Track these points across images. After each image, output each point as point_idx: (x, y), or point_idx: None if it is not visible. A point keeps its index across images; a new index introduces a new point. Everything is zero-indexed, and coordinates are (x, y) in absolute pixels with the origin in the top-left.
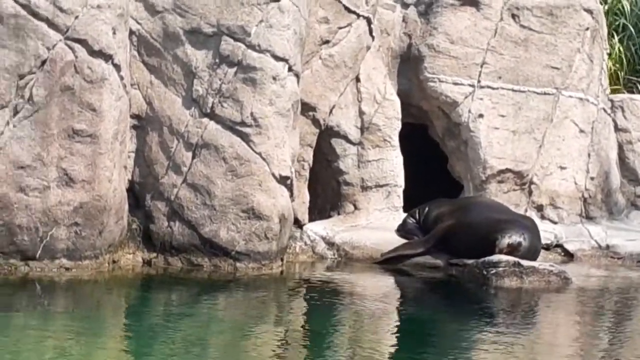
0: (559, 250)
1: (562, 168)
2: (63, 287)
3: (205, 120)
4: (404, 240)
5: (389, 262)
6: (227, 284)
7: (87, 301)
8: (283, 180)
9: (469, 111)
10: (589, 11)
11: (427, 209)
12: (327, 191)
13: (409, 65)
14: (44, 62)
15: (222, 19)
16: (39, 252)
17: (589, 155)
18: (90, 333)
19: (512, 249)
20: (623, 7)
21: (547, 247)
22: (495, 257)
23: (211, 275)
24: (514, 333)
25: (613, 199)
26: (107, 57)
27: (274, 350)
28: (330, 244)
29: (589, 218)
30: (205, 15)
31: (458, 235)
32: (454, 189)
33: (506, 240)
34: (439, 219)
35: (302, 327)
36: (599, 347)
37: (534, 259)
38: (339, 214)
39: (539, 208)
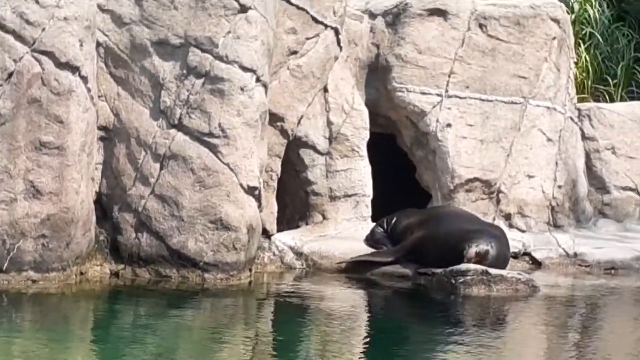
0: (527, 258)
1: (530, 177)
2: (30, 300)
3: (173, 131)
4: (372, 250)
5: (357, 268)
6: (196, 295)
7: (54, 314)
8: (251, 191)
9: (437, 121)
10: (556, 21)
11: (395, 219)
12: (296, 201)
13: (377, 76)
14: (11, 75)
15: (190, 30)
16: (6, 264)
17: (556, 164)
18: (58, 346)
19: (481, 258)
20: (590, 16)
21: (515, 256)
22: (464, 266)
23: (179, 287)
24: (482, 342)
25: (581, 208)
26: (75, 70)
27: None
28: (299, 254)
29: (557, 226)
30: (172, 27)
31: (427, 247)
32: (422, 198)
33: (474, 249)
34: (407, 229)
35: (271, 338)
36: (566, 356)
37: (503, 267)
38: (307, 224)
39: (507, 217)
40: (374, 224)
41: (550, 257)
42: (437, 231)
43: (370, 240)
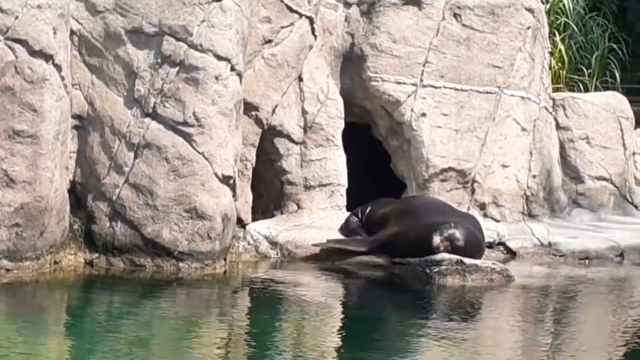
0: (501, 248)
1: (504, 166)
2: (4, 289)
3: (147, 120)
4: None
5: (331, 256)
6: (170, 284)
7: (28, 303)
8: (226, 180)
9: (412, 110)
10: (530, 10)
11: (369, 208)
12: (270, 191)
13: (351, 65)
14: None
15: (164, 18)
16: None
17: (530, 153)
18: (32, 335)
19: (449, 244)
20: (564, 6)
21: (490, 245)
22: (438, 256)
23: (154, 276)
24: (456, 331)
25: (555, 197)
26: (48, 58)
27: (216, 351)
28: (274, 244)
29: (531, 216)
30: (146, 15)
31: (400, 240)
32: (397, 188)
33: (437, 237)
34: (382, 218)
35: (246, 327)
36: (540, 344)
37: (478, 256)
38: (282, 213)
39: (482, 206)
40: (349, 213)
41: (524, 246)
42: (409, 224)
43: (345, 229)
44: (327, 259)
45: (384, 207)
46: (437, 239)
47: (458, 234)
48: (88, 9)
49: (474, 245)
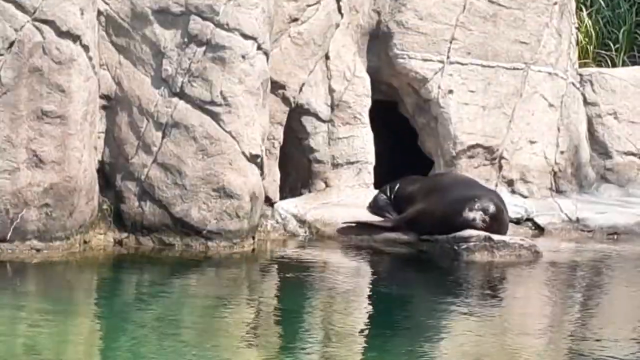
0: (529, 224)
1: (531, 142)
2: (34, 269)
3: (174, 99)
4: (375, 217)
5: (359, 232)
6: (199, 263)
7: (58, 282)
8: (253, 158)
9: (439, 87)
10: None
11: (398, 185)
12: (298, 169)
13: (378, 42)
14: (12, 44)
15: None
16: (10, 233)
17: (558, 129)
18: (62, 314)
19: (484, 214)
20: None
21: (518, 221)
22: (466, 232)
23: (183, 255)
24: (485, 307)
25: (583, 173)
26: (75, 38)
27: (246, 329)
28: (302, 222)
29: (559, 192)
30: None
31: (429, 219)
32: (424, 165)
33: (471, 212)
34: (410, 195)
35: (275, 305)
36: (569, 320)
37: (504, 232)
38: (310, 191)
39: (510, 183)
40: (377, 191)
41: (552, 222)
42: (437, 201)
43: (374, 207)
44: (355, 236)
45: (412, 185)
46: (471, 214)
47: (487, 203)
48: None
49: (504, 224)
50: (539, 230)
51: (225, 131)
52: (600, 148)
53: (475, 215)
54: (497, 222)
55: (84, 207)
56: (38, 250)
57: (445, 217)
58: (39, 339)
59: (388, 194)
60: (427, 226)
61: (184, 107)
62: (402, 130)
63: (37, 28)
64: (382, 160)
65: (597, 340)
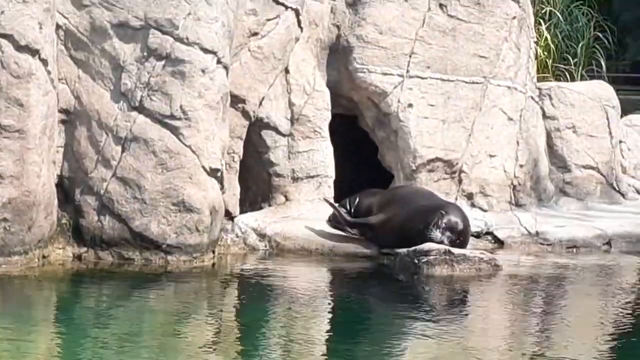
0: (489, 237)
1: (491, 156)
2: None
3: (134, 113)
4: (334, 231)
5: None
6: (159, 278)
7: (16, 297)
8: (213, 172)
9: (399, 101)
10: (516, 0)
11: (357, 199)
12: (258, 183)
13: (338, 56)
14: None
15: (150, 12)
16: None
17: (517, 143)
18: (21, 329)
19: (450, 228)
20: None
21: (478, 235)
22: (426, 246)
23: (142, 269)
24: (446, 320)
25: (542, 186)
26: (34, 52)
27: (206, 344)
28: (262, 236)
29: (519, 205)
30: (132, 8)
31: (391, 227)
32: (384, 178)
33: (437, 231)
34: (370, 208)
35: (235, 319)
36: (529, 333)
37: (466, 244)
38: (270, 205)
39: (469, 196)
40: (336, 205)
41: (512, 235)
42: (396, 212)
43: (333, 220)
44: (314, 250)
45: (371, 198)
46: (437, 234)
47: (454, 218)
48: (74, 3)
49: (468, 235)
50: (499, 243)
51: (185, 145)
52: (559, 162)
53: (443, 236)
54: (466, 232)
55: (43, 222)
56: None
57: (405, 228)
58: None
59: (348, 207)
60: (387, 236)
61: (144, 121)
62: (362, 144)
63: None
64: (342, 175)
65: (558, 352)
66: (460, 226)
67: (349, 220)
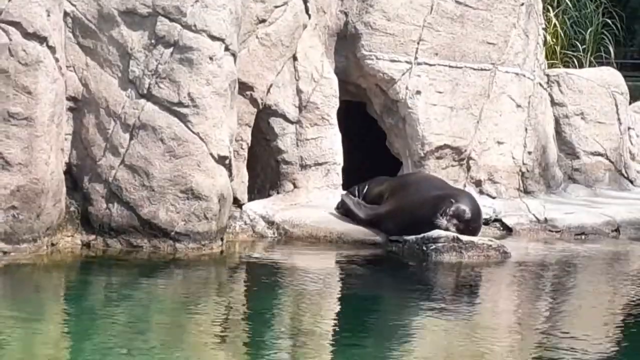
0: (497, 224)
1: (499, 143)
2: (1, 271)
3: (142, 101)
4: (343, 218)
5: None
6: (167, 265)
7: (26, 285)
8: (221, 160)
9: (407, 88)
10: None
11: (367, 186)
12: (266, 170)
13: (345, 43)
14: None
15: None
16: None
17: (526, 130)
18: (30, 317)
19: (458, 215)
20: None
21: (486, 222)
22: (435, 233)
23: (151, 257)
24: (455, 307)
25: (550, 173)
26: (42, 40)
27: (214, 331)
28: (270, 223)
29: (527, 192)
30: None
31: (399, 217)
32: (392, 166)
33: (443, 219)
34: (379, 196)
35: (243, 307)
36: (538, 320)
37: (477, 232)
38: (278, 192)
39: (478, 183)
40: (345, 192)
41: (520, 222)
42: (407, 199)
43: (341, 208)
44: (322, 237)
45: (381, 185)
46: (443, 221)
47: (463, 206)
48: None
49: (479, 224)
50: (507, 230)
51: (193, 132)
52: (567, 148)
53: (449, 224)
54: (476, 221)
55: (51, 209)
56: (5, 253)
57: (416, 215)
58: (6, 342)
59: (357, 194)
60: (397, 224)
61: (152, 109)
62: (370, 131)
63: (3, 30)
64: (350, 161)
65: (568, 340)
66: (468, 215)
67: (364, 219)
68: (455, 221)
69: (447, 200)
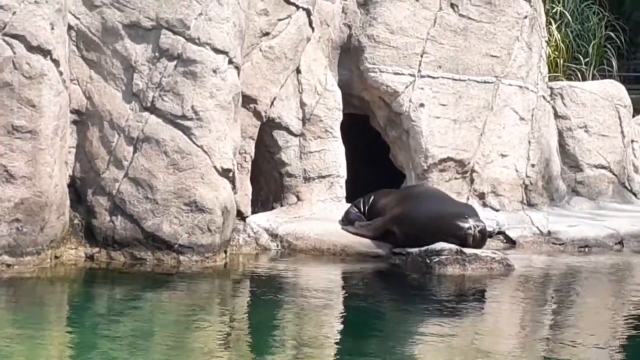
0: (501, 237)
1: (503, 156)
2: (5, 284)
3: (145, 114)
4: (345, 232)
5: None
6: (171, 278)
7: (29, 297)
8: (225, 172)
9: (410, 101)
10: None
11: (372, 197)
12: (270, 183)
13: (349, 56)
14: None
15: (161, 12)
16: None
17: (529, 142)
18: (34, 330)
19: (479, 234)
20: None
21: (490, 235)
22: (438, 246)
23: (154, 269)
24: (457, 321)
25: (554, 186)
26: (46, 53)
27: (217, 344)
28: (274, 236)
29: (531, 205)
30: (144, 9)
31: (408, 224)
32: (396, 178)
33: (469, 231)
34: (384, 208)
35: (246, 320)
36: (541, 334)
37: (481, 246)
38: (282, 205)
39: (481, 196)
40: (349, 205)
41: (524, 235)
42: (417, 210)
43: (345, 220)
44: (326, 250)
45: (386, 197)
46: (470, 229)
47: (480, 224)
48: (85, 3)
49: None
50: (511, 243)
51: (197, 145)
52: (571, 161)
53: (473, 236)
54: (483, 238)
55: (55, 222)
56: (9, 266)
57: (432, 224)
58: (10, 355)
59: (362, 206)
60: (407, 231)
61: (155, 122)
62: (374, 144)
63: (7, 43)
64: (354, 174)
65: (571, 350)
66: (485, 231)
67: (373, 236)
68: (477, 235)
69: (462, 218)
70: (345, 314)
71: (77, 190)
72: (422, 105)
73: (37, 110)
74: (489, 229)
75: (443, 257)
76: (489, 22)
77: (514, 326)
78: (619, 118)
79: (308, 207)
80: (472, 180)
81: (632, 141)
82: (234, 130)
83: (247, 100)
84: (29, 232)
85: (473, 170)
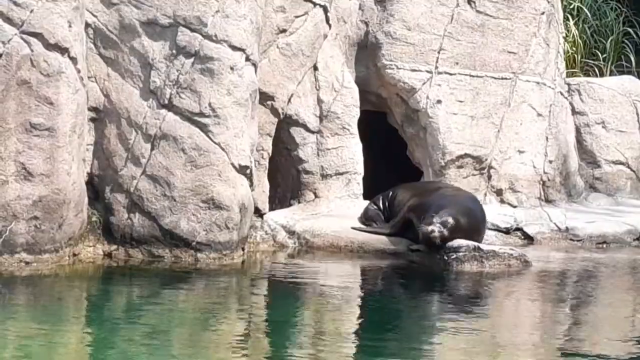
0: (518, 233)
1: (520, 152)
2: (23, 282)
3: (163, 111)
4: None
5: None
6: (189, 275)
7: (48, 295)
8: (242, 169)
9: (427, 97)
10: None
11: (391, 193)
12: (287, 180)
13: (366, 53)
14: None
15: (178, 9)
16: None
17: (547, 138)
18: (52, 327)
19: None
20: None
21: (507, 231)
22: (456, 242)
23: (172, 267)
24: (476, 317)
25: (572, 182)
26: (63, 51)
27: (236, 341)
28: (291, 233)
29: (548, 201)
30: (161, 6)
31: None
32: (413, 175)
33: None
34: (404, 203)
35: (264, 316)
36: (559, 330)
37: (478, 237)
38: (299, 202)
39: (498, 192)
40: (368, 202)
41: (541, 231)
42: (422, 204)
43: (363, 217)
44: (343, 247)
45: (405, 192)
46: (425, 229)
47: (445, 216)
48: (103, 1)
49: (475, 230)
50: (528, 239)
51: (214, 142)
52: (588, 157)
53: (437, 234)
54: (460, 232)
55: (73, 220)
56: (27, 263)
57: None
58: (29, 352)
59: (382, 202)
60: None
61: (173, 119)
62: (391, 141)
63: (25, 41)
64: (371, 171)
65: (589, 347)
66: (451, 222)
67: (390, 232)
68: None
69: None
70: (362, 310)
71: (95, 188)
72: (439, 101)
73: (55, 107)
74: (506, 225)
75: (461, 253)
76: (506, 18)
77: (532, 322)
78: (637, 114)
79: (325, 204)
80: (489, 177)
81: None
82: (251, 127)
83: (264, 97)
84: (47, 230)
85: (490, 167)
